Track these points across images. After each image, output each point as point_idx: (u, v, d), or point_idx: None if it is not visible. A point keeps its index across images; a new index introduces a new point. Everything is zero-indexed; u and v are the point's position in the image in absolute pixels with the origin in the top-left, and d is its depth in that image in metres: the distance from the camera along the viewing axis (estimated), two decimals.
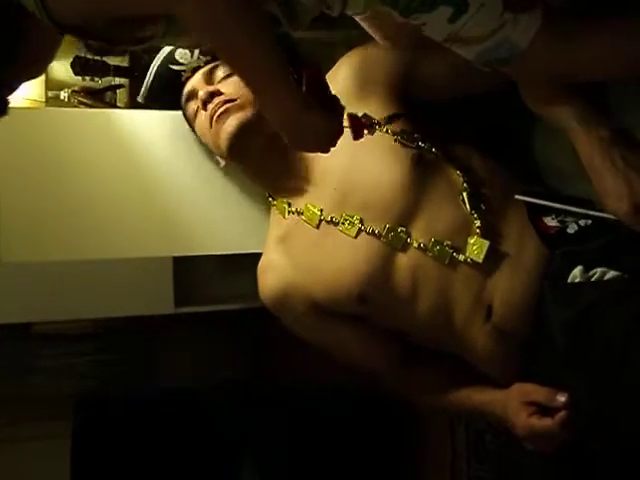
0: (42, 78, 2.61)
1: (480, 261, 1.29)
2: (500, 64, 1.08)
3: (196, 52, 1.44)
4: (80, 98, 2.59)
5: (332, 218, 1.37)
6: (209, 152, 1.64)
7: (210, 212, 2.01)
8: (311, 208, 1.39)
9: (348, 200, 1.37)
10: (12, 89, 1.05)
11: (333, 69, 1.46)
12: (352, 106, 1.31)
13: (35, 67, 1.09)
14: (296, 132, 1.08)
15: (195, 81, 1.48)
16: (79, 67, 3.03)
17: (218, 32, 0.97)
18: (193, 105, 1.48)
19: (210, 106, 1.42)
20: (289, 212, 1.44)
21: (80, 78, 2.55)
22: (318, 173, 1.41)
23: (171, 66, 1.47)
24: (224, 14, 0.94)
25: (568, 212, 1.29)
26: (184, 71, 1.46)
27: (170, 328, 2.59)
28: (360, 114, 1.19)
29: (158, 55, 1.51)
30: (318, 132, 1.07)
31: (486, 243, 1.29)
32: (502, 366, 1.34)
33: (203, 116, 1.45)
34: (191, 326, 2.58)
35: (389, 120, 1.39)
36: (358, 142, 1.26)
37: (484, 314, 1.31)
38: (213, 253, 2.06)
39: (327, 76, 1.40)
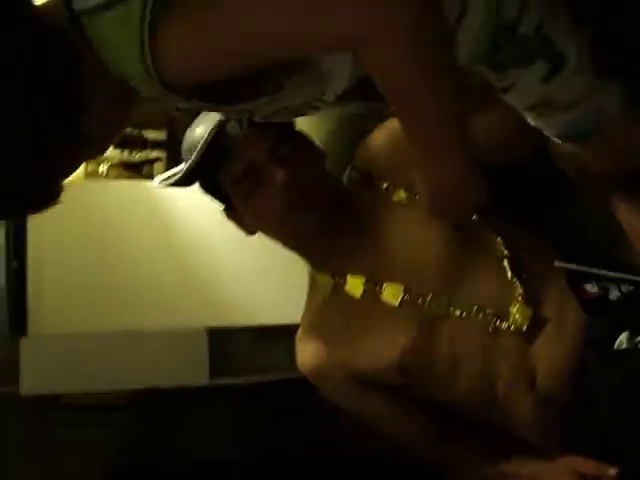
0: None
1: (524, 329, 1.28)
2: (584, 138, 1.06)
3: (245, 124, 1.28)
4: (118, 171, 2.63)
5: (375, 287, 1.35)
6: None
7: (245, 282, 2.01)
8: (354, 278, 1.37)
9: (391, 269, 1.36)
10: (68, 173, 0.92)
11: (371, 136, 1.47)
12: (393, 175, 1.32)
13: (97, 146, 0.97)
14: (455, 197, 1.01)
15: (255, 152, 1.30)
16: (117, 140, 3.08)
17: (412, 78, 0.82)
18: (248, 183, 1.30)
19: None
20: (330, 284, 1.41)
21: (118, 152, 2.58)
22: (363, 245, 1.40)
23: (223, 140, 1.27)
24: (423, 55, 0.80)
25: (608, 278, 1.28)
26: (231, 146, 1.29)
27: (205, 399, 2.57)
28: None
29: (198, 127, 1.31)
30: (472, 198, 1.04)
31: (529, 310, 1.28)
32: (543, 431, 1.31)
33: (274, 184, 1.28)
34: (226, 397, 2.55)
35: None
36: (396, 210, 1.26)
37: (527, 382, 1.29)
38: (248, 325, 2.06)
39: (362, 145, 1.42)
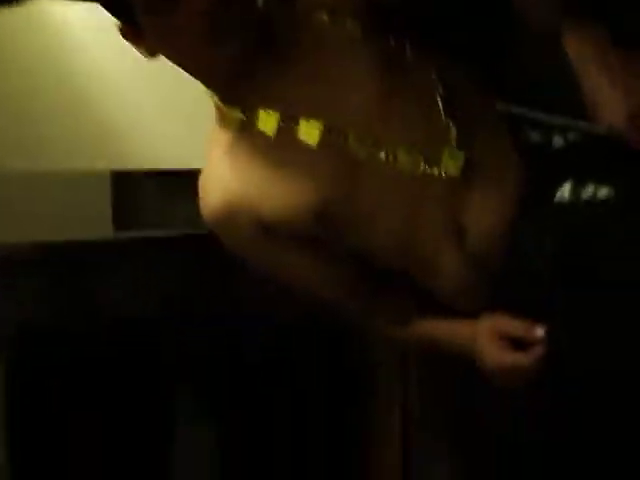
0: None
1: (456, 175, 1.15)
2: None
3: None
4: None
5: (291, 124, 1.19)
6: None
7: (152, 123, 1.82)
8: (267, 114, 1.20)
9: (309, 103, 1.19)
10: None
11: None
12: None
13: None
14: None
15: None
16: None
17: None
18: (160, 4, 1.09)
19: None
20: (240, 119, 1.23)
21: None
22: (278, 74, 1.22)
23: None
24: None
25: (553, 124, 1.15)
26: None
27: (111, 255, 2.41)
28: None
29: None
30: None
31: (462, 155, 1.14)
32: (471, 295, 1.22)
33: None
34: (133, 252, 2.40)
35: (356, 10, 1.20)
36: (319, 36, 1.09)
37: (455, 238, 1.17)
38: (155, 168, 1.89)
39: None
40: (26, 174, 1.90)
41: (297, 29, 1.21)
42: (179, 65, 1.20)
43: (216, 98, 1.26)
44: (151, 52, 1.19)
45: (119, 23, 1.17)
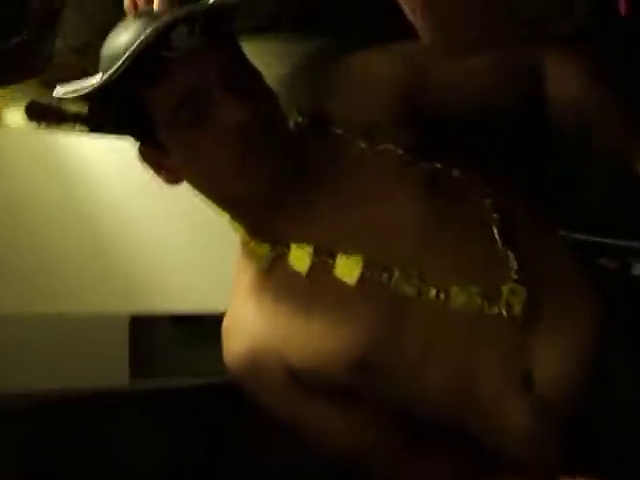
0: None
1: (518, 314, 1.00)
2: None
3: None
4: None
5: (326, 260, 1.06)
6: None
7: (172, 264, 1.71)
8: (299, 248, 1.08)
9: (346, 237, 1.08)
10: None
11: (326, 74, 1.18)
12: (351, 120, 1.05)
13: None
14: None
15: (202, 74, 1.00)
16: (36, 113, 2.83)
17: None
18: (188, 112, 1.00)
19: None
20: (270, 255, 1.12)
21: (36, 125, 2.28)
22: (312, 206, 1.11)
23: (163, 52, 0.97)
24: None
25: (630, 250, 1.01)
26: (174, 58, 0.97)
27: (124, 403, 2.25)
28: None
29: (128, 29, 0.99)
30: None
31: (524, 290, 1.00)
32: (538, 448, 1.04)
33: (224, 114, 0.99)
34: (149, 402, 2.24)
35: (395, 133, 1.10)
36: (357, 163, 1.00)
37: (520, 383, 1.01)
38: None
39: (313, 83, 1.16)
40: (40, 316, 1.75)
41: (332, 155, 1.11)
42: (204, 191, 1.10)
43: (242, 231, 1.15)
44: (173, 177, 1.09)
45: (139, 146, 1.08)
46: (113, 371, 2.08)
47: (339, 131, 1.11)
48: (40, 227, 1.61)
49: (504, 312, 0.99)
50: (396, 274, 1.02)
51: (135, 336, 2.01)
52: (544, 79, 1.06)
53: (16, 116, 2.62)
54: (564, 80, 1.03)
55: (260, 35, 1.21)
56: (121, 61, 0.93)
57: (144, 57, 0.94)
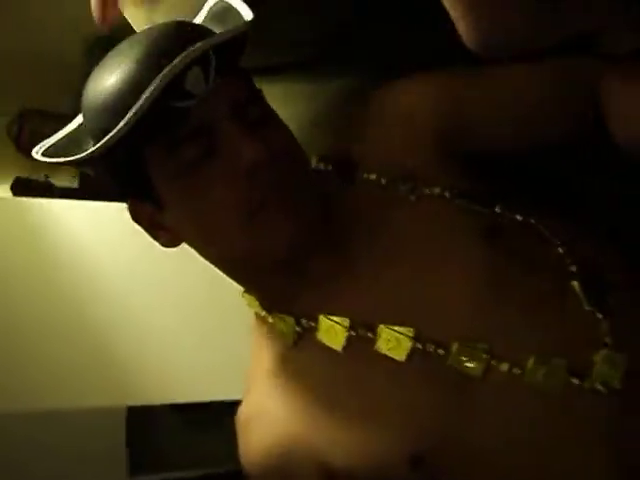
0: None
1: (617, 387, 0.80)
2: None
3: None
4: None
5: (365, 334, 0.86)
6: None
7: (173, 353, 1.54)
8: (331, 321, 0.88)
9: (390, 306, 0.87)
10: None
11: (357, 113, 1.00)
12: (388, 160, 0.87)
13: None
14: None
15: (219, 114, 0.79)
16: (21, 188, 2.70)
17: None
18: (193, 151, 0.79)
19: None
20: (296, 331, 0.90)
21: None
22: (345, 270, 0.89)
23: (176, 103, 0.77)
24: None
25: None
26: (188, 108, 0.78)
27: None
28: None
29: (126, 69, 0.79)
30: None
31: (622, 359, 0.80)
32: None
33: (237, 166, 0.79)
34: None
35: (441, 175, 0.91)
36: (395, 213, 0.81)
37: (625, 476, 0.80)
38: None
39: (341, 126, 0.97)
40: (37, 413, 1.61)
41: (365, 206, 0.92)
42: (207, 253, 0.89)
43: (257, 305, 0.95)
44: (171, 238, 0.88)
45: (130, 203, 0.87)
46: (111, 466, 1.92)
47: (372, 176, 0.93)
48: (29, 317, 1.44)
49: (599, 387, 0.78)
50: (454, 348, 0.82)
51: (133, 426, 1.85)
52: (605, 98, 0.89)
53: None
54: (630, 99, 0.85)
55: (273, 75, 1.04)
56: (126, 120, 0.73)
57: (152, 111, 0.74)
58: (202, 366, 1.53)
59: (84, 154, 0.79)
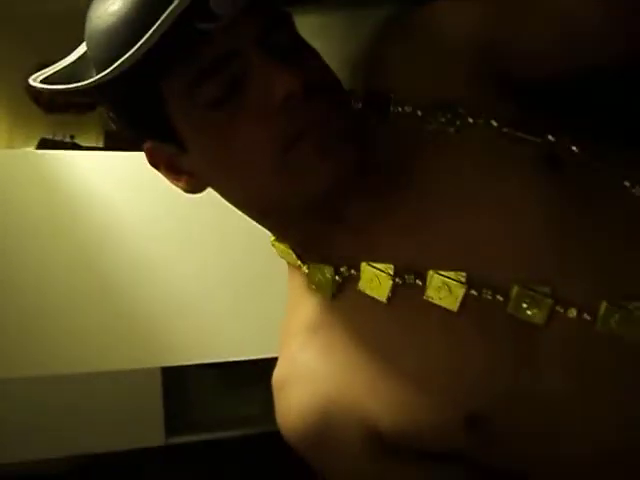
0: None
1: None
2: None
3: None
4: None
5: (413, 280, 0.77)
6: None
7: (206, 311, 1.49)
8: (374, 269, 0.79)
9: (437, 250, 0.78)
10: None
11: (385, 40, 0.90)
12: (426, 90, 0.79)
13: None
14: None
15: (244, 41, 0.69)
16: (47, 149, 2.70)
17: None
18: (217, 86, 0.69)
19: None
20: (334, 280, 0.82)
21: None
22: (386, 212, 0.80)
23: (200, 25, 0.66)
24: None
25: None
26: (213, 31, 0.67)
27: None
28: None
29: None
30: None
31: None
32: None
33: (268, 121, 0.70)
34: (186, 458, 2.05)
35: (485, 103, 0.81)
36: (435, 149, 0.73)
37: None
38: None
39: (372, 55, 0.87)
40: (69, 376, 1.61)
41: (403, 143, 0.82)
42: (234, 200, 0.80)
43: (291, 255, 0.86)
44: (194, 184, 0.78)
45: (147, 145, 0.77)
46: (148, 427, 1.91)
47: (408, 109, 0.82)
48: (57, 279, 1.40)
49: None
50: (514, 292, 0.73)
51: (168, 388, 1.83)
52: None
53: None
54: None
55: (302, 7, 0.95)
56: (142, 42, 0.64)
57: (171, 33, 0.64)
58: (237, 324, 1.48)
59: (90, 81, 0.70)
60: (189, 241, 1.37)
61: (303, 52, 0.75)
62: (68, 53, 0.81)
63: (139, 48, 0.65)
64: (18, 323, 1.33)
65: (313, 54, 0.77)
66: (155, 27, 0.64)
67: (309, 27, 0.97)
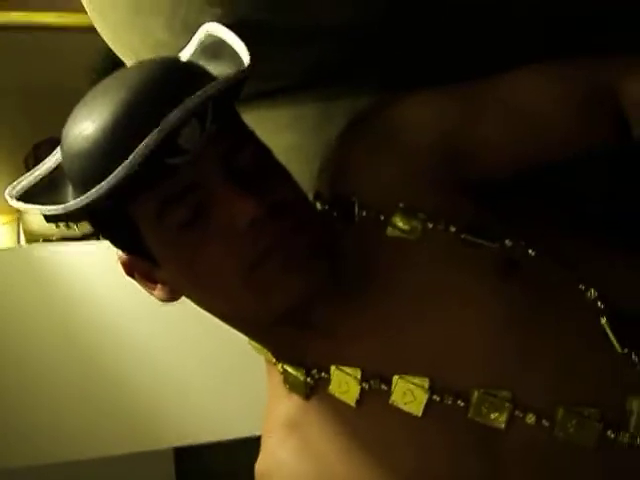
0: (14, 229, 2.29)
1: None
2: None
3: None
4: None
5: (379, 386, 0.79)
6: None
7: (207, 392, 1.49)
8: (344, 373, 0.80)
9: (400, 356, 0.79)
10: None
11: (348, 142, 0.91)
12: (386, 191, 0.82)
13: None
14: None
15: (207, 171, 0.72)
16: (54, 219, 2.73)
17: None
18: (183, 212, 0.72)
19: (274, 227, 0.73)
20: (307, 384, 0.84)
21: (54, 226, 2.12)
22: (352, 316, 0.82)
23: (169, 160, 0.70)
24: None
25: None
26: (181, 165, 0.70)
27: None
28: None
29: (108, 116, 0.70)
30: None
31: None
32: None
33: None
34: None
35: (444, 207, 0.83)
36: (397, 255, 0.77)
37: None
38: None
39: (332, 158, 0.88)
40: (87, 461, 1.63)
41: (366, 249, 0.83)
42: (208, 309, 0.82)
43: (269, 354, 0.88)
44: (169, 294, 0.81)
45: (121, 257, 0.79)
46: None
47: (372, 213, 0.84)
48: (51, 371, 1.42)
49: (637, 439, 0.70)
50: (475, 397, 0.74)
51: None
52: (627, 100, 0.80)
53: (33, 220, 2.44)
54: None
55: (263, 100, 0.96)
56: (113, 176, 0.66)
57: (142, 168, 0.66)
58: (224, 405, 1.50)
59: (60, 207, 0.72)
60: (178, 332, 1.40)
61: (268, 171, 0.77)
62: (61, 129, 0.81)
63: (108, 182, 0.67)
64: (26, 412, 1.36)
65: (277, 170, 0.79)
66: (125, 164, 0.67)
67: (284, 119, 0.98)
